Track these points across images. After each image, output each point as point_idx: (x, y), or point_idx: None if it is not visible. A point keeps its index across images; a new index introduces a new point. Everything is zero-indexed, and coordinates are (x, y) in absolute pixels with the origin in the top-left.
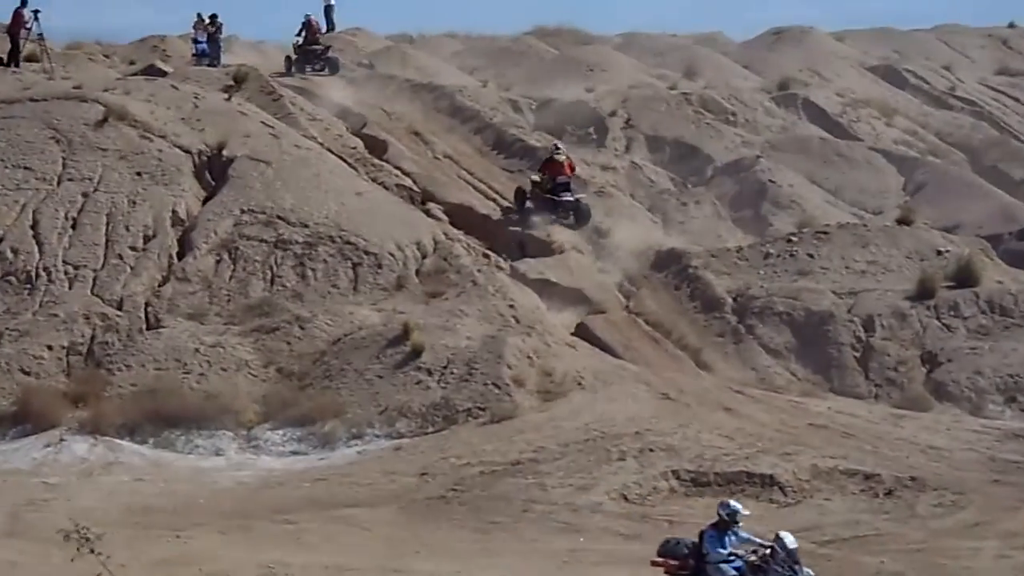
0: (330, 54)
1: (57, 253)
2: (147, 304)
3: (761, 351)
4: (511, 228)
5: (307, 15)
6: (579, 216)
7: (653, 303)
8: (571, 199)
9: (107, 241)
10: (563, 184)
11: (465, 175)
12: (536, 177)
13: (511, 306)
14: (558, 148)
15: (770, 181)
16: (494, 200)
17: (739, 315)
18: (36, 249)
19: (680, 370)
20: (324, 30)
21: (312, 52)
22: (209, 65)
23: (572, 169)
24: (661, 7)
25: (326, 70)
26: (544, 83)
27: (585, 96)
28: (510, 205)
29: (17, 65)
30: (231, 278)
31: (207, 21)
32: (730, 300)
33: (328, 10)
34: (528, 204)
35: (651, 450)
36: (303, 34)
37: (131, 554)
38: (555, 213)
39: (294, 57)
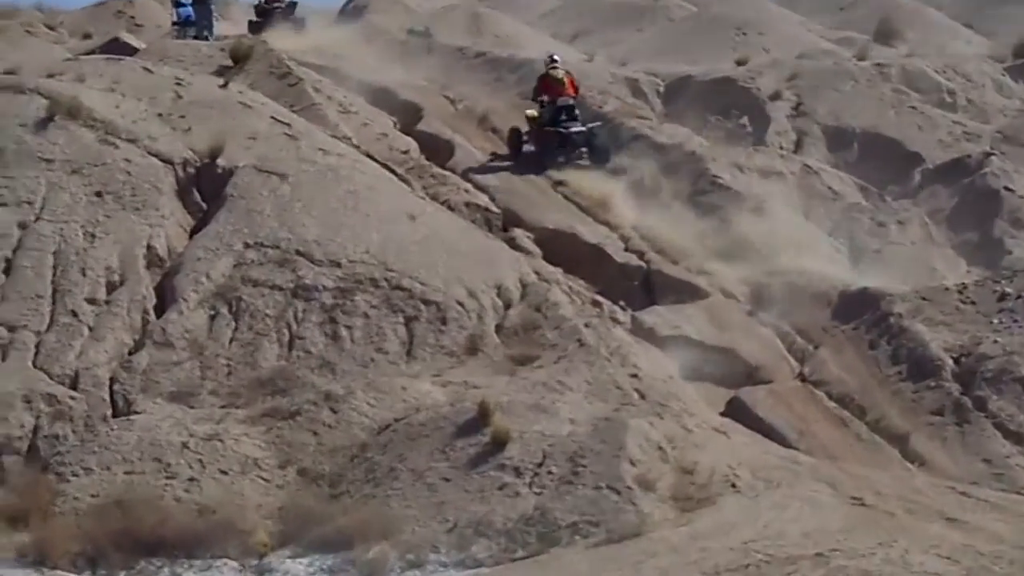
0: (296, 13)
1: None
2: (113, 380)
3: (996, 435)
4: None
5: None
6: (595, 152)
7: (838, 368)
8: (580, 129)
9: (55, 292)
10: (567, 108)
11: (564, 189)
12: (533, 112)
13: (634, 375)
14: (554, 61)
15: (1006, 189)
16: (606, 223)
17: (964, 383)
18: None
19: (879, 463)
20: None
21: (272, 12)
22: (196, 37)
23: (576, 89)
24: None
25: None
26: (676, 54)
27: (735, 72)
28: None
29: None
30: (232, 341)
31: None
32: (950, 362)
33: None
34: (527, 148)
35: None
36: None
37: None
38: (563, 152)
39: (255, 20)
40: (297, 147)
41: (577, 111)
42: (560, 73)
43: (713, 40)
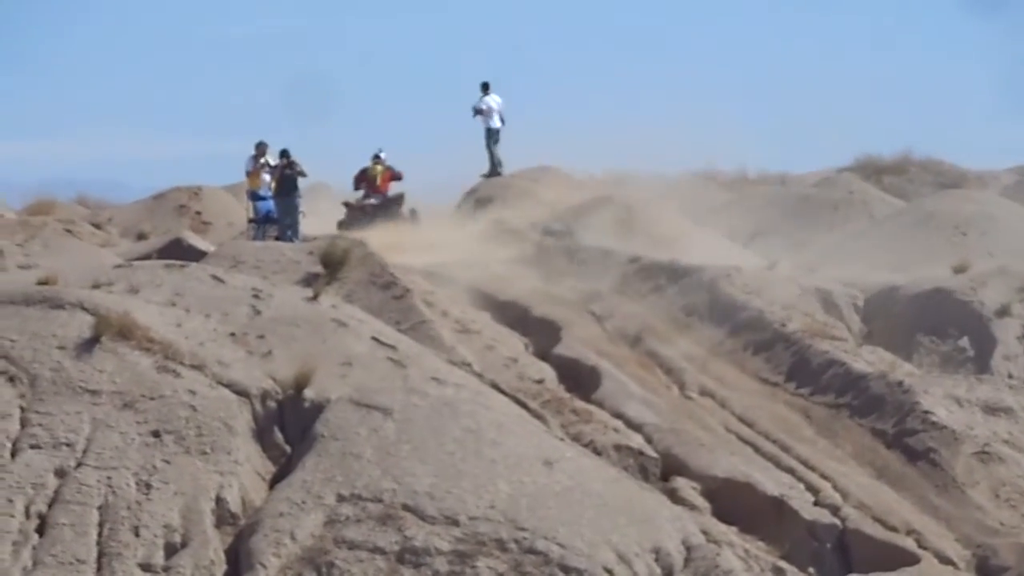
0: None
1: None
2: None
3: None
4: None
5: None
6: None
7: None
8: (374, 202)
9: (100, 555)
10: (374, 206)
11: (740, 428)
12: (352, 200)
13: None
14: (378, 156)
15: None
16: (792, 471)
17: None
18: None
19: None
20: (487, 170)
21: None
22: (279, 237)
23: (395, 177)
24: None
25: None
26: (878, 259)
27: (953, 282)
28: None
29: None
30: None
31: (273, 163)
32: None
33: (490, 135)
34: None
35: None
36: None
37: None
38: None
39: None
40: (404, 376)
41: (386, 205)
42: (378, 169)
43: (925, 242)
